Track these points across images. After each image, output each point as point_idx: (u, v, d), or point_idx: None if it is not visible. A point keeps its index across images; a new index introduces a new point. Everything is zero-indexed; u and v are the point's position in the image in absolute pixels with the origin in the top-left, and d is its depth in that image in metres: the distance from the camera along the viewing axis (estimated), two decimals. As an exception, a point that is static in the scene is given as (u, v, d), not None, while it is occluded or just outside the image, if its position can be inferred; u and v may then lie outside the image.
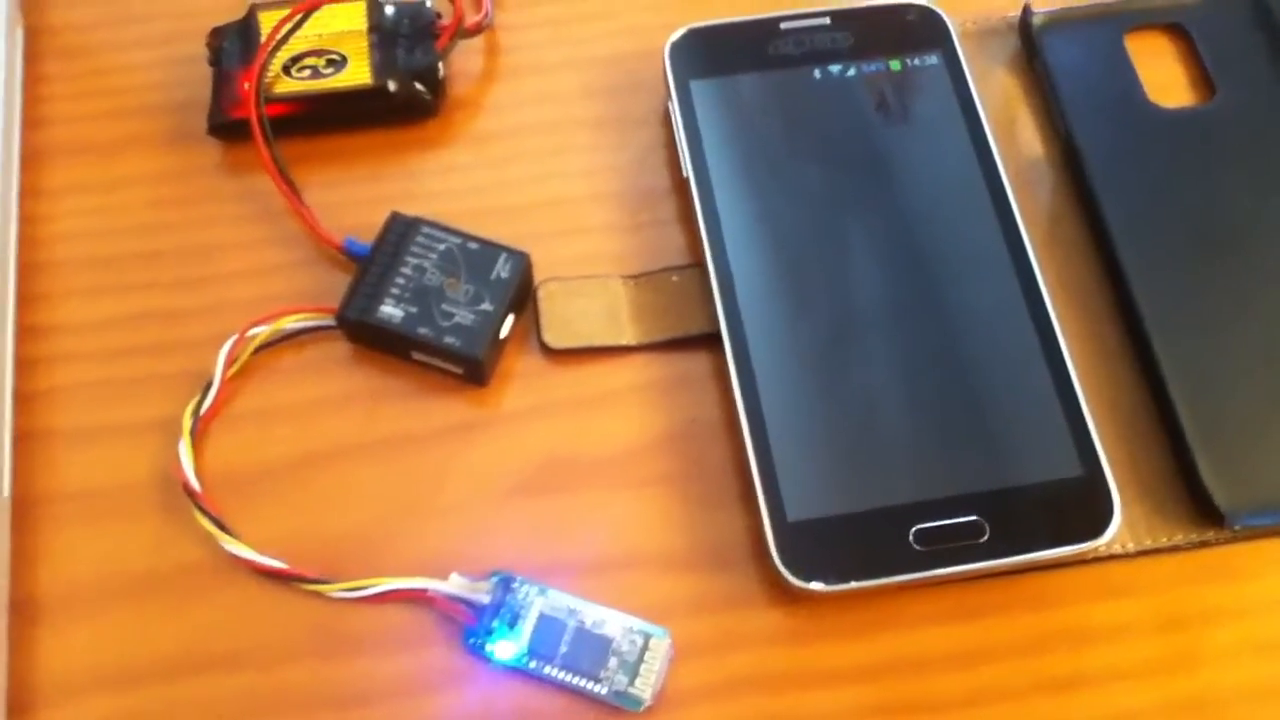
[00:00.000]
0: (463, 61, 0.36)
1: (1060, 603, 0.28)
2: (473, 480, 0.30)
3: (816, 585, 0.27)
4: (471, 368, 0.30)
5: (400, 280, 0.31)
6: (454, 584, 0.28)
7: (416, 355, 0.31)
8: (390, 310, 0.30)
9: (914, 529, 0.28)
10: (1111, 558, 0.28)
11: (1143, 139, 0.33)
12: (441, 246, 0.31)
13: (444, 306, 0.30)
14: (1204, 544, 0.29)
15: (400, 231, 0.31)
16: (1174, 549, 0.29)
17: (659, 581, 0.29)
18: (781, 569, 0.27)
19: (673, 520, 0.29)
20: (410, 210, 0.32)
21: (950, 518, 0.28)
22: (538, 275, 0.32)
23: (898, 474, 0.28)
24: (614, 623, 0.28)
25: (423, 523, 0.30)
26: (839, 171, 0.32)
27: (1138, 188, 0.32)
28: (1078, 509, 0.28)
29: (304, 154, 0.34)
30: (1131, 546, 0.29)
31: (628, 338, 0.32)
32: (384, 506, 0.30)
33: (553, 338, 0.31)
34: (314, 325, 0.32)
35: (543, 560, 0.29)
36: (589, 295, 0.32)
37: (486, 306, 0.30)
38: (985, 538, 0.27)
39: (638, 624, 0.28)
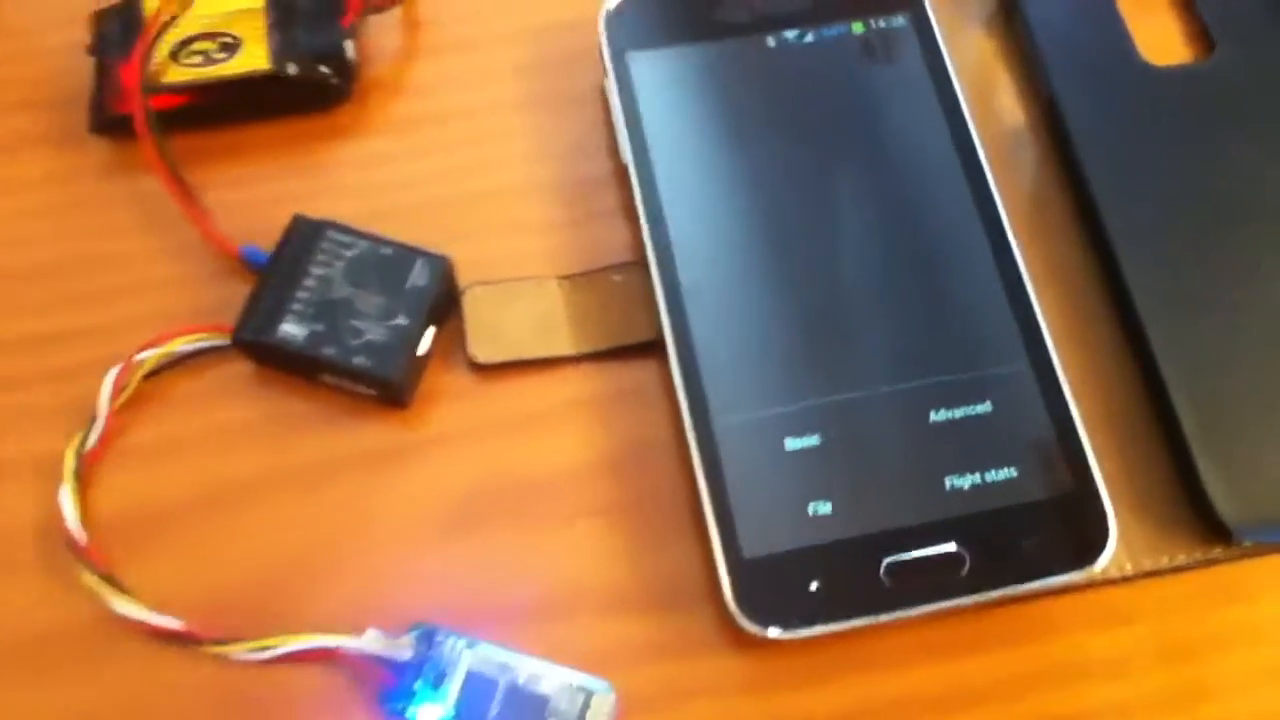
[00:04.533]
0: (376, 38, 0.32)
1: (1051, 634, 0.25)
2: (392, 517, 0.27)
3: (775, 632, 0.24)
4: (387, 390, 0.27)
5: (303, 293, 0.27)
6: (370, 640, 0.25)
7: (326, 377, 0.27)
8: (291, 329, 0.27)
9: (885, 562, 0.24)
10: (1107, 582, 0.25)
11: (1134, 102, 0.30)
12: (349, 253, 0.28)
13: (353, 322, 0.27)
14: (1210, 563, 0.26)
15: (304, 237, 0.28)
16: (1177, 570, 0.26)
17: (602, 626, 0.26)
18: (736, 613, 0.24)
19: (617, 556, 0.26)
20: (323, 209, 0.29)
21: (925, 548, 0.25)
22: (463, 279, 0.29)
23: (866, 500, 0.25)
24: (551, 678, 0.25)
25: (337, 568, 0.26)
26: (797, 152, 0.29)
27: (1129, 158, 0.29)
28: (1069, 531, 0.25)
29: (200, 150, 0.30)
30: (1129, 568, 0.26)
31: (565, 348, 0.28)
32: (293, 551, 0.27)
33: (480, 351, 0.28)
34: (211, 346, 0.28)
35: (471, 607, 0.26)
36: (520, 300, 0.29)
37: (401, 320, 0.27)
38: (965, 569, 0.24)
39: (578, 678, 0.25)
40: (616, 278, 0.29)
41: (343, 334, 0.27)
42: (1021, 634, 0.25)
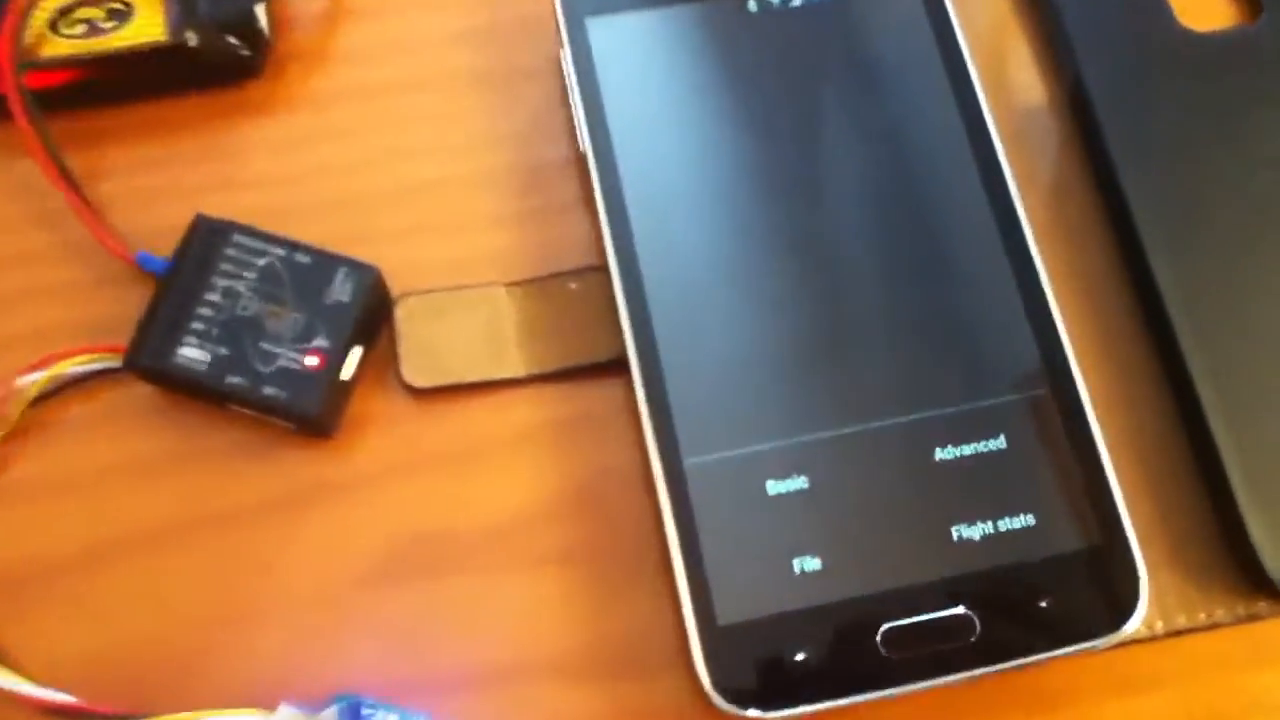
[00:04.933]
0: (294, 2, 0.28)
1: (1068, 701, 0.22)
2: (314, 568, 0.23)
3: (754, 712, 0.21)
4: (304, 424, 0.23)
5: (205, 310, 0.23)
6: (285, 717, 0.22)
7: (235, 407, 0.24)
8: (192, 353, 0.23)
9: (883, 629, 0.21)
10: (1134, 641, 0.22)
11: (1171, 76, 0.26)
12: (261, 261, 0.24)
13: (264, 345, 0.23)
14: (1251, 619, 0.22)
15: (207, 241, 0.24)
16: (1213, 626, 0.22)
17: (555, 696, 0.22)
18: (710, 690, 0.21)
19: (573, 613, 0.23)
20: (230, 205, 0.25)
21: (929, 612, 0.21)
22: (395, 288, 0.25)
23: (861, 555, 0.22)
24: (499, 753, 0.22)
25: (250, 629, 0.23)
26: (783, 137, 0.25)
27: (1165, 144, 0.25)
28: (1094, 590, 0.21)
29: (89, 134, 0.26)
30: (1160, 626, 0.22)
31: (515, 368, 0.24)
32: (201, 609, 0.23)
33: (415, 374, 0.24)
34: (103, 369, 0.24)
35: (404, 674, 0.22)
36: (463, 313, 0.25)
37: (321, 342, 0.23)
38: (975, 636, 0.21)
39: (530, 754, 0.22)
40: (574, 285, 0.25)
41: (251, 359, 0.23)
42: (1033, 701, 0.22)
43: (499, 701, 0.22)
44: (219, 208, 0.25)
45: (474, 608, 0.23)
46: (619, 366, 0.24)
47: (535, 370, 0.24)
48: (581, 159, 0.25)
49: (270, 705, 0.22)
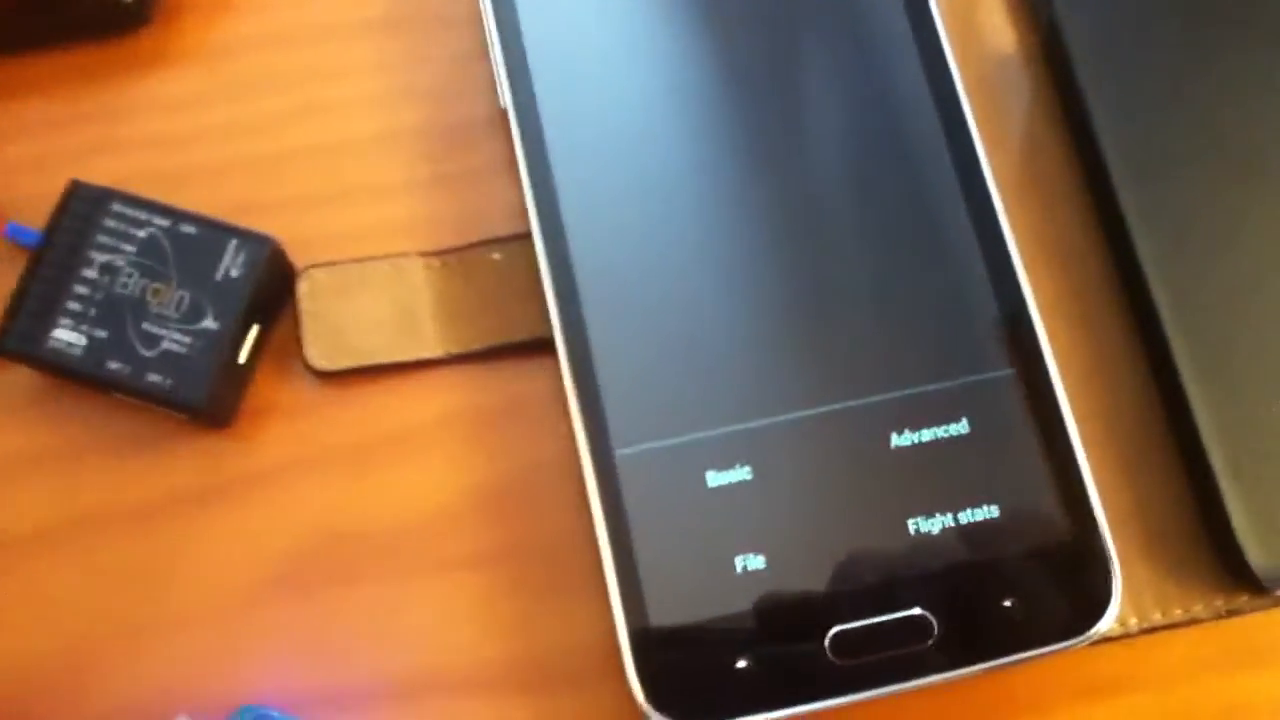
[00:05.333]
0: (188, -61, 0.25)
1: (1035, 706, 0.21)
2: (210, 571, 0.21)
3: (691, 728, 0.19)
4: (195, 415, 0.21)
5: (82, 288, 0.21)
6: (179, 736, 0.20)
7: (119, 395, 0.21)
8: (67, 336, 0.21)
9: (832, 633, 0.19)
10: (1107, 639, 0.20)
11: (1155, 23, 0.23)
12: (142, 233, 0.21)
13: (146, 326, 0.21)
14: (1232, 614, 0.21)
15: (82, 211, 0.21)
16: (1192, 622, 0.21)
17: (479, 710, 0.20)
18: (640, 699, 0.19)
19: (496, 619, 0.21)
20: (111, 171, 0.22)
21: (884, 614, 0.19)
22: (298, 260, 0.22)
23: (809, 552, 0.20)
24: (416, 773, 0.20)
25: (140, 638, 0.21)
26: (725, 90, 0.22)
27: (1149, 100, 0.23)
28: (1063, 588, 0.20)
29: (-44, 90, 0.24)
30: (1134, 624, 0.21)
31: (431, 348, 0.22)
32: (85, 617, 0.21)
33: (320, 355, 0.22)
34: (-26, 352, 0.22)
35: (312, 685, 0.20)
36: (373, 287, 0.22)
37: (209, 324, 0.21)
38: (932, 640, 0.19)
39: (449, 773, 0.20)
40: (497, 255, 0.23)
41: (133, 342, 0.21)
42: (998, 706, 0.21)
43: (416, 714, 0.20)
44: (100, 174, 0.22)
45: (388, 614, 0.21)
46: (548, 347, 0.22)
47: (455, 350, 0.22)
48: (503, 116, 0.23)
49: (166, 717, 0.20)
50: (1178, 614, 0.21)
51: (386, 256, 0.23)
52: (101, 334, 0.21)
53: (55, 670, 0.21)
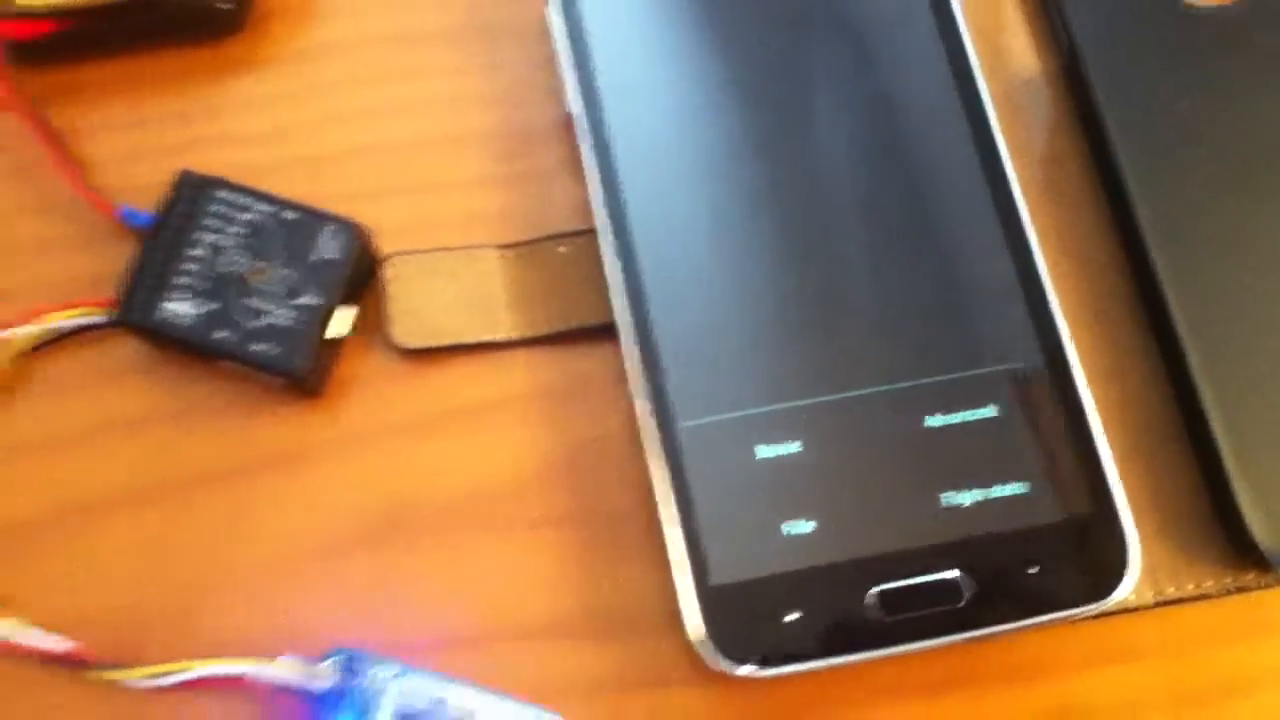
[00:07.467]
0: (280, -45, 0.27)
1: (1054, 671, 0.22)
2: (307, 525, 0.23)
3: (748, 670, 0.21)
4: (293, 381, 0.23)
5: (191, 266, 0.23)
6: (285, 667, 0.21)
7: (224, 363, 0.23)
8: (177, 308, 0.23)
9: (873, 591, 0.21)
10: (1122, 611, 0.22)
11: (1168, 52, 0.26)
12: (247, 217, 0.23)
13: (251, 301, 0.23)
14: (1239, 590, 0.22)
15: (192, 197, 0.23)
16: (1201, 597, 0.23)
17: (549, 655, 0.22)
18: (701, 647, 0.21)
19: (566, 574, 0.23)
20: (212, 160, 0.25)
21: (919, 575, 0.21)
22: (383, 248, 0.25)
23: (852, 519, 0.22)
24: (493, 712, 0.21)
25: (243, 584, 0.23)
26: (777, 99, 0.25)
27: (1161, 119, 0.25)
28: (1084, 558, 0.21)
29: (71, 87, 0.26)
30: (1150, 596, 0.22)
31: (504, 330, 0.24)
32: (193, 564, 0.23)
33: (404, 334, 0.24)
34: (91, 324, 0.24)
35: (398, 630, 0.22)
36: (452, 274, 0.24)
37: (309, 299, 0.23)
38: (964, 600, 0.21)
39: (525, 712, 0.21)
40: (562, 249, 0.25)
41: (238, 314, 0.23)
42: (1022, 669, 0.22)
43: (495, 658, 0.22)
44: (201, 165, 0.24)
45: (463, 569, 0.23)
46: (609, 331, 0.24)
47: (525, 333, 0.24)
48: (569, 120, 0.25)
49: (270, 655, 0.21)
50: (1189, 589, 0.23)
51: (463, 247, 0.25)
52: (211, 306, 0.23)
53: (166, 611, 0.22)
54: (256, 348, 0.22)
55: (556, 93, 0.26)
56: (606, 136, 0.24)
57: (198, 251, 0.23)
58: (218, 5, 0.25)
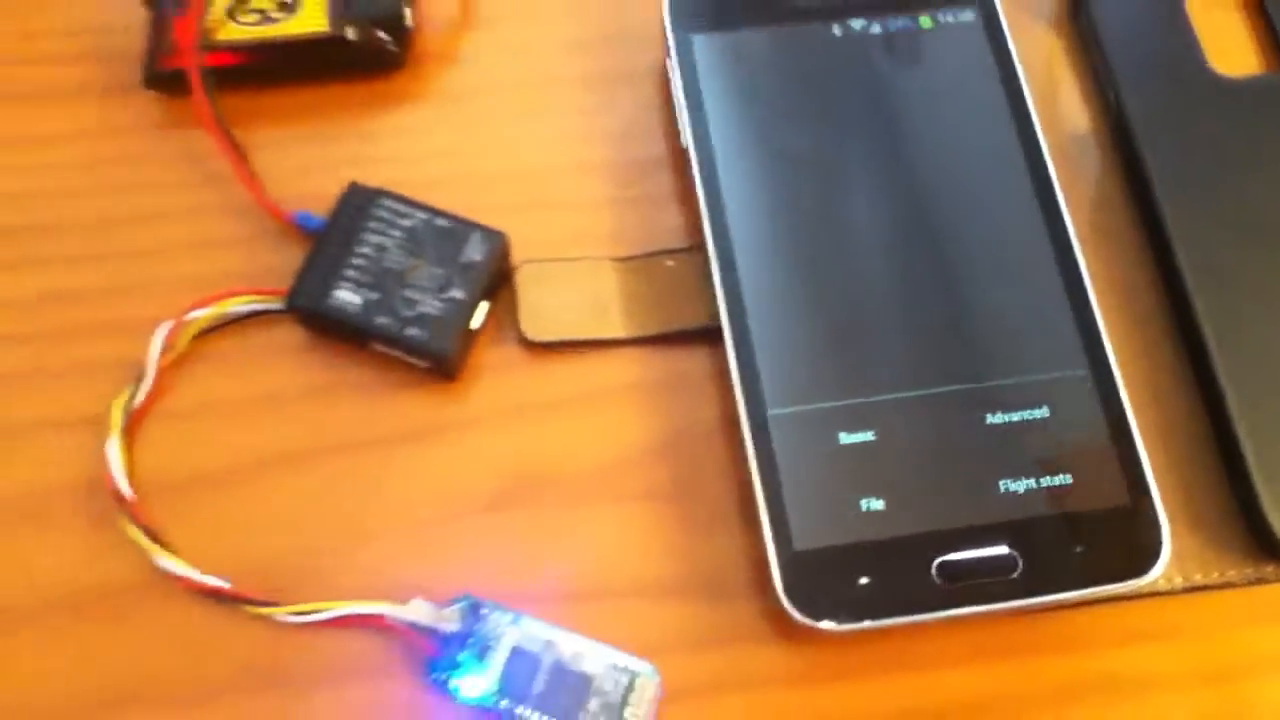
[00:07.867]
0: (433, 6, 0.32)
1: (1094, 645, 0.25)
2: (438, 489, 0.27)
3: (827, 624, 0.24)
4: (438, 363, 0.27)
5: (358, 261, 0.27)
6: (416, 609, 0.25)
7: (376, 346, 0.27)
8: (346, 296, 0.27)
9: (936, 562, 0.24)
10: (1155, 593, 0.25)
11: (1202, 113, 0.29)
12: (406, 223, 0.27)
13: (407, 293, 0.27)
14: (1260, 580, 0.25)
15: (359, 205, 0.28)
16: (1226, 585, 0.25)
17: (646, 610, 0.25)
18: (786, 604, 0.24)
19: (664, 541, 0.26)
20: (371, 176, 0.28)
21: (979, 549, 0.24)
22: (515, 255, 0.28)
23: (919, 499, 0.25)
24: (595, 657, 0.25)
25: (381, 538, 0.26)
26: (859, 143, 0.29)
27: (1195, 170, 0.28)
28: (1122, 542, 0.25)
29: (251, 110, 0.30)
30: (1180, 582, 0.25)
31: (617, 330, 0.28)
32: (338, 519, 0.26)
33: (532, 329, 0.28)
34: (263, 309, 0.28)
35: (515, 583, 0.26)
36: (574, 280, 0.28)
37: (456, 294, 0.27)
38: (1017, 573, 0.24)
39: (622, 659, 0.25)
40: (669, 263, 0.29)
41: (397, 304, 0.26)
42: (1063, 644, 0.25)
43: (597, 611, 0.25)
44: (361, 180, 0.28)
45: (577, 531, 0.26)
46: (706, 334, 0.27)
47: (635, 333, 0.28)
48: (674, 156, 0.29)
49: (402, 600, 0.25)
50: (1215, 577, 0.25)
51: (584, 258, 0.29)
52: (374, 296, 0.26)
53: (313, 557, 0.26)
54: (410, 332, 0.26)
55: (664, 131, 0.30)
56: (715, 168, 0.28)
57: (364, 250, 0.27)
58: (386, 45, 0.30)
